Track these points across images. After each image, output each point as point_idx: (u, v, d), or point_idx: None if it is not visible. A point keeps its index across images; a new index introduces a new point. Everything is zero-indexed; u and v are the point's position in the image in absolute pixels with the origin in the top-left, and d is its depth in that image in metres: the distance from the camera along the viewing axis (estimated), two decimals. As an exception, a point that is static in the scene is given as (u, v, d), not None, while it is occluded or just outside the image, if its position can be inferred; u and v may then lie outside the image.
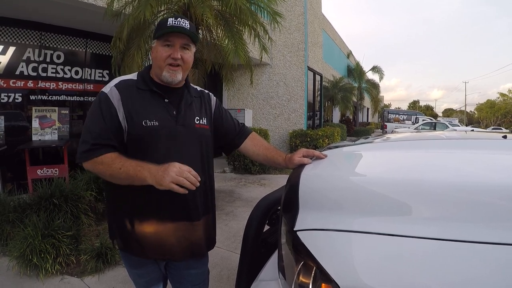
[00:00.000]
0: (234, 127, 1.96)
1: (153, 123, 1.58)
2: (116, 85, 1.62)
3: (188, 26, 1.62)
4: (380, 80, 28.79)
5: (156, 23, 4.83)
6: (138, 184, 1.46)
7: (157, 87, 1.67)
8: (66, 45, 6.48)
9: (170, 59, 1.61)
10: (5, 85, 5.67)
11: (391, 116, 33.01)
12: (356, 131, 24.65)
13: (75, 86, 6.63)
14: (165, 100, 1.66)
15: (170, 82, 1.66)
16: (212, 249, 1.90)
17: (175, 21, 1.59)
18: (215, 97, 1.96)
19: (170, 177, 1.38)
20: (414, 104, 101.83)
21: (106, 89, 1.61)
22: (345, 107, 22.87)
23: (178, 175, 1.39)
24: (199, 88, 1.91)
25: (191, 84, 1.85)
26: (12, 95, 5.78)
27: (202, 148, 1.74)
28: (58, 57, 6.36)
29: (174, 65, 1.63)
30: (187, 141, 1.67)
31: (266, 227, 1.82)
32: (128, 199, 1.62)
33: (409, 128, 25.44)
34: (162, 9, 4.85)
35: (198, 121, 1.74)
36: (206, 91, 1.93)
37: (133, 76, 1.72)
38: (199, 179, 1.44)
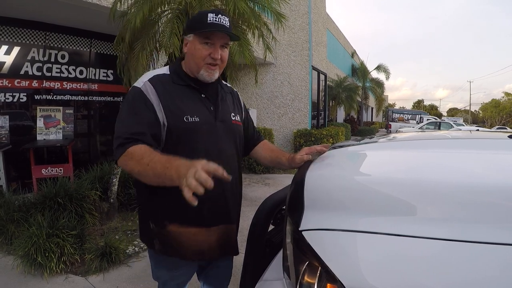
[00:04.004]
0: (254, 133, 1.97)
1: (194, 119, 1.55)
2: (149, 80, 1.57)
3: (228, 24, 1.57)
4: (387, 79, 28.69)
5: (160, 23, 4.86)
6: (168, 185, 1.26)
7: (194, 82, 1.64)
8: (71, 45, 6.50)
9: (210, 59, 1.57)
10: (10, 85, 5.70)
11: (396, 115, 32.96)
12: (360, 130, 24.61)
13: (80, 85, 6.65)
14: (202, 95, 1.64)
15: (207, 81, 1.63)
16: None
17: (215, 18, 1.53)
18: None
19: (185, 181, 1.15)
20: (418, 104, 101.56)
21: (139, 84, 1.56)
22: (350, 106, 22.86)
23: (191, 176, 1.13)
24: (229, 85, 1.91)
25: (221, 80, 1.83)
26: (17, 94, 5.80)
27: (237, 145, 1.75)
28: (63, 57, 6.38)
29: (213, 65, 1.59)
30: (225, 137, 1.66)
31: (271, 227, 1.82)
32: (167, 200, 1.55)
33: (413, 127, 25.38)
34: (166, 8, 4.84)
35: (234, 117, 1.73)
36: (235, 90, 1.94)
37: (165, 70, 1.67)
38: (208, 184, 1.13)
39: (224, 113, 1.68)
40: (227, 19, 1.56)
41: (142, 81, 1.57)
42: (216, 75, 1.64)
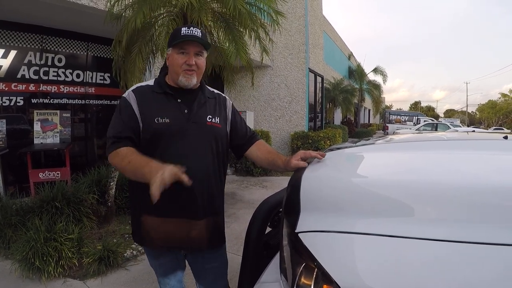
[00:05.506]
0: (246, 133, 2.05)
1: (165, 120, 1.72)
2: (133, 90, 1.81)
3: (200, 35, 1.76)
4: (384, 82, 28.68)
5: (156, 26, 4.87)
6: (142, 180, 1.50)
7: (171, 89, 1.81)
8: (68, 49, 6.50)
9: (186, 66, 1.75)
10: (6, 88, 5.69)
11: (393, 117, 33.00)
12: (357, 132, 24.62)
13: (77, 89, 6.65)
14: (178, 100, 1.80)
15: (186, 86, 1.79)
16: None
17: (188, 30, 1.73)
18: (231, 101, 2.08)
19: (157, 175, 1.40)
20: (415, 105, 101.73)
21: (125, 94, 1.80)
22: (347, 108, 22.85)
23: (159, 177, 1.39)
24: (215, 91, 2.03)
25: (207, 87, 1.99)
26: (14, 98, 5.80)
27: (213, 146, 1.84)
28: (60, 60, 6.38)
29: (189, 71, 1.76)
30: (198, 138, 1.78)
31: (268, 229, 1.82)
32: (140, 198, 1.75)
33: (410, 129, 25.42)
34: (162, 11, 4.84)
35: (211, 119, 1.84)
36: (223, 95, 2.05)
37: (150, 82, 1.88)
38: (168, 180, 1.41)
39: (198, 116, 1.81)
40: (199, 31, 1.77)
41: (127, 92, 1.82)
42: (194, 80, 1.80)
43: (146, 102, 1.76)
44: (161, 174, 1.39)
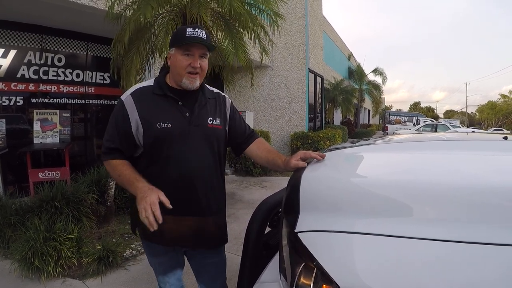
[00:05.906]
0: (245, 131, 2.04)
1: (167, 125, 1.72)
2: (132, 93, 1.78)
3: (205, 37, 1.73)
4: (383, 83, 28.70)
5: (156, 27, 4.87)
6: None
7: (172, 91, 1.79)
8: (67, 48, 6.50)
9: (190, 68, 1.73)
10: (6, 88, 5.69)
11: (392, 117, 33.00)
12: (357, 132, 24.63)
13: (76, 89, 6.65)
14: (179, 103, 1.78)
15: (189, 88, 1.78)
16: (214, 252, 1.95)
17: (193, 32, 1.70)
18: (230, 100, 2.07)
19: (141, 206, 1.49)
20: (415, 106, 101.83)
21: (124, 96, 1.79)
22: (346, 109, 22.88)
23: (144, 209, 1.47)
24: (215, 90, 2.01)
25: (207, 86, 1.97)
26: (14, 98, 5.80)
27: (215, 147, 1.86)
28: (59, 60, 6.38)
29: (193, 73, 1.75)
30: (200, 140, 1.79)
31: (268, 229, 1.82)
32: None
33: (410, 129, 25.42)
34: (162, 11, 4.85)
35: (212, 121, 1.85)
36: (222, 94, 2.04)
37: (150, 82, 1.85)
38: (160, 221, 1.46)
39: (200, 118, 1.81)
40: (203, 32, 1.74)
41: (126, 94, 1.79)
42: (197, 82, 1.79)
43: (147, 106, 1.75)
44: (144, 205, 1.47)
